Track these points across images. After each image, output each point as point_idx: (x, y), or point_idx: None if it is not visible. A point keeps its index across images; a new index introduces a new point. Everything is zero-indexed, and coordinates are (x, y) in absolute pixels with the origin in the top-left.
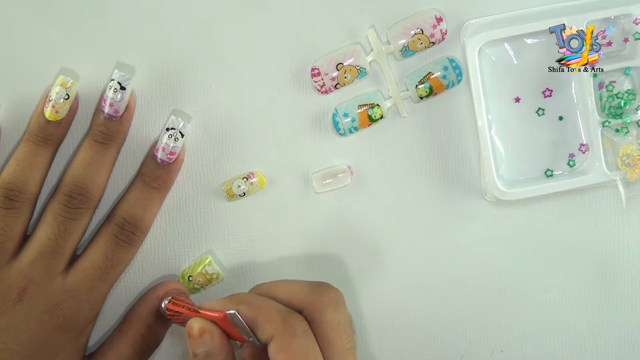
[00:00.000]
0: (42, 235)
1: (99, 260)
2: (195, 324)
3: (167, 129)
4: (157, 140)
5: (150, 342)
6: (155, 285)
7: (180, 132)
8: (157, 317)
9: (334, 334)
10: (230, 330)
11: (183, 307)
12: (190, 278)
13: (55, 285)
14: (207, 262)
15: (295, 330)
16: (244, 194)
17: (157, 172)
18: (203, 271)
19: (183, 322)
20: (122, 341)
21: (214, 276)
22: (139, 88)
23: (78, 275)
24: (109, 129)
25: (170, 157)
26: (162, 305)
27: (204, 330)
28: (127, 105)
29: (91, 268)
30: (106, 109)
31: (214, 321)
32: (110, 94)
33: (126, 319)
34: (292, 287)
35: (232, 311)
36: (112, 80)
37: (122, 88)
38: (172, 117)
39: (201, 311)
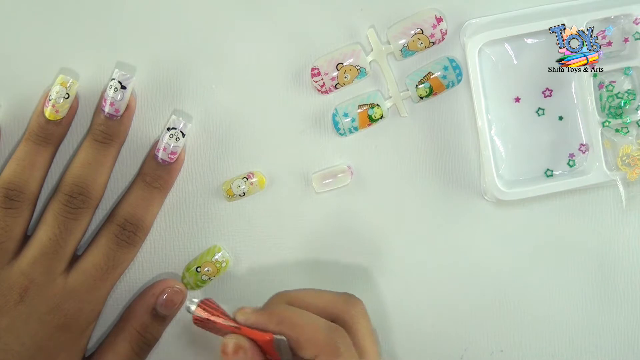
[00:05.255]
0: (43, 235)
1: (100, 260)
2: (231, 341)
3: (168, 129)
4: (158, 140)
5: (148, 340)
6: (152, 284)
7: (181, 131)
8: (153, 315)
9: (369, 344)
10: (270, 352)
11: (216, 314)
12: (198, 269)
13: (56, 285)
14: (216, 249)
15: (339, 349)
16: (244, 194)
17: (158, 172)
18: (213, 260)
19: (212, 330)
20: (119, 339)
21: (224, 264)
22: (140, 88)
23: (79, 276)
24: (110, 128)
25: (172, 157)
26: (189, 310)
27: (239, 347)
28: (127, 105)
29: (92, 268)
30: (107, 108)
31: (253, 338)
32: (110, 93)
33: (123, 317)
34: (323, 298)
35: (281, 337)
36: (113, 79)
37: (123, 87)
38: (173, 116)
39: (243, 328)
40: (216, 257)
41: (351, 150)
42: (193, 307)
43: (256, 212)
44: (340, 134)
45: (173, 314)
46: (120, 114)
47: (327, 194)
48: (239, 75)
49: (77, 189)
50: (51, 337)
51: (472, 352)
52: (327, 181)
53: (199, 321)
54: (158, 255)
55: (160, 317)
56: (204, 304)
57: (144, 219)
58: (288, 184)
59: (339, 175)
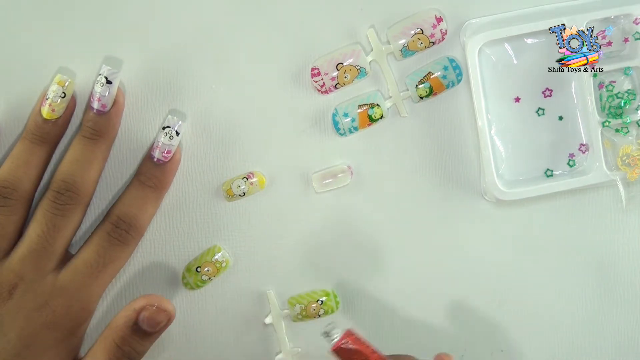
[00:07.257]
0: (32, 233)
1: (90, 258)
2: None
3: (163, 128)
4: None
5: (127, 353)
6: (137, 298)
7: (176, 130)
8: (134, 330)
9: None
10: None
11: (363, 346)
12: (198, 269)
13: (45, 283)
14: (216, 249)
15: None
16: (244, 194)
17: (152, 171)
18: (213, 260)
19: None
20: (100, 347)
21: (224, 264)
22: (140, 88)
23: (69, 274)
24: (97, 124)
25: (166, 155)
26: (330, 340)
27: None
28: (115, 100)
29: (83, 266)
30: (94, 104)
31: None
32: (97, 88)
33: (108, 325)
34: None
35: None
36: (100, 74)
37: (109, 82)
38: (169, 116)
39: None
40: (216, 257)
41: (351, 150)
42: (336, 337)
43: (256, 212)
44: (340, 134)
45: (159, 332)
46: (107, 109)
47: (327, 194)
48: (238, 75)
49: (65, 185)
50: (38, 335)
51: (472, 352)
52: (327, 181)
53: (339, 351)
54: (158, 255)
55: (143, 332)
56: (352, 334)
57: (137, 217)
58: (288, 184)
59: (339, 175)
